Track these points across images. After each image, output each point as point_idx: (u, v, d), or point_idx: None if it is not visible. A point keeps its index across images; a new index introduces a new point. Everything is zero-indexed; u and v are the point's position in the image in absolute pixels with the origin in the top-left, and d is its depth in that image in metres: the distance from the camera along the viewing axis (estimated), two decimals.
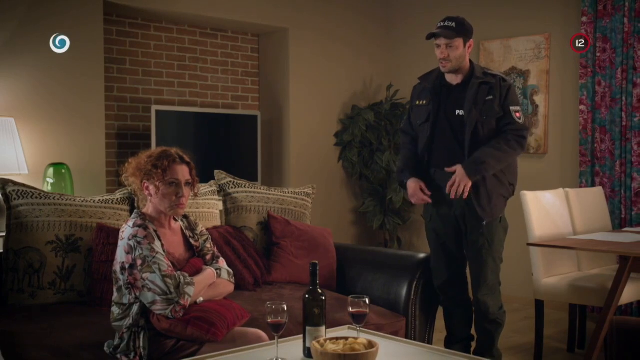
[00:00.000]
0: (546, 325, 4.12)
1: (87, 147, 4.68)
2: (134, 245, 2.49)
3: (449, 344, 3.48)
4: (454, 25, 3.29)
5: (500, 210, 3.32)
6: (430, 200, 3.35)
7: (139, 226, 2.54)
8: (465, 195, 3.19)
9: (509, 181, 3.35)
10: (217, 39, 5.80)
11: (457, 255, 3.41)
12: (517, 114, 3.29)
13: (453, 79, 3.36)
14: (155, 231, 2.57)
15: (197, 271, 2.61)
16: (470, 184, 3.18)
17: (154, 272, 2.45)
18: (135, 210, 2.68)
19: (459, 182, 3.18)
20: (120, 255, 2.53)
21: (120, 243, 2.55)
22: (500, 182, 3.30)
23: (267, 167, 5.93)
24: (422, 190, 3.34)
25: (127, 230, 2.55)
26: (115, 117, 5.25)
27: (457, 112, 3.29)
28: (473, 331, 3.51)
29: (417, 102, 3.47)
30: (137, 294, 2.48)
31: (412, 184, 3.38)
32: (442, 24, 3.33)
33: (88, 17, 4.68)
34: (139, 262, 2.47)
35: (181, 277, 2.49)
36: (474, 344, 3.51)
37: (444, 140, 3.34)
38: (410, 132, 3.55)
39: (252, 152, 5.58)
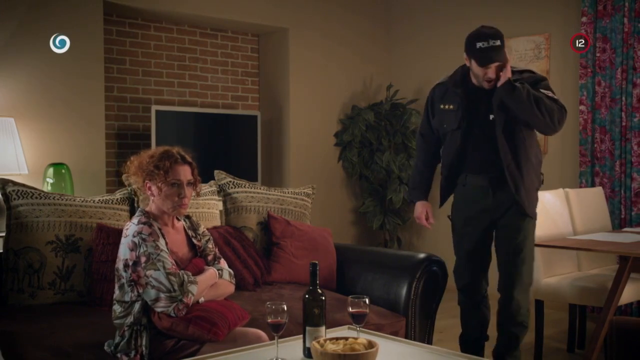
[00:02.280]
0: (546, 325, 4.12)
1: (87, 147, 4.68)
2: (139, 242, 2.49)
3: (466, 343, 3.47)
4: (500, 44, 3.09)
5: (536, 205, 3.32)
6: (430, 228, 3.53)
7: (144, 223, 2.54)
8: (494, 80, 3.11)
9: (540, 171, 3.34)
10: (217, 39, 5.81)
11: (484, 257, 3.40)
12: (551, 94, 3.19)
13: (486, 86, 3.22)
14: (160, 229, 2.58)
15: (199, 271, 2.61)
16: (504, 76, 3.06)
17: (158, 270, 2.45)
18: (140, 209, 2.68)
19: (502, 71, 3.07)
20: (124, 253, 2.53)
21: (123, 240, 2.55)
22: (536, 174, 3.29)
23: (267, 167, 5.93)
24: (427, 216, 3.48)
25: (131, 227, 2.55)
26: (115, 117, 5.25)
27: (491, 116, 3.18)
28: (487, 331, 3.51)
29: (443, 106, 3.33)
30: (141, 291, 2.48)
31: (420, 208, 3.51)
32: (486, 44, 3.09)
33: (88, 17, 4.68)
34: (143, 259, 2.47)
35: (185, 276, 2.49)
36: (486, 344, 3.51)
37: (477, 146, 3.26)
38: (429, 136, 3.46)
39: (252, 152, 5.58)
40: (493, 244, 3.43)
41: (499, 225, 3.32)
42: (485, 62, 3.09)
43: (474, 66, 3.15)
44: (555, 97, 3.21)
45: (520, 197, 3.21)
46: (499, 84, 3.09)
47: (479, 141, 3.25)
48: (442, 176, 3.45)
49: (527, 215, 3.26)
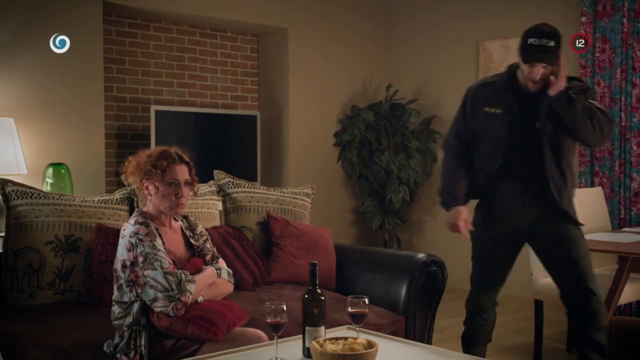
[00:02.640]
0: (545, 325, 4.12)
1: (86, 147, 4.68)
2: (136, 242, 2.49)
3: (468, 344, 3.33)
4: (553, 45, 2.86)
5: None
6: (467, 237, 3.16)
7: (141, 224, 2.54)
8: (539, 83, 2.92)
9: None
10: (216, 39, 5.80)
11: (510, 266, 3.25)
12: (598, 105, 3.02)
13: (530, 86, 3.01)
14: (157, 229, 2.58)
15: (197, 271, 2.61)
16: (558, 84, 2.86)
17: (156, 269, 2.45)
18: (137, 209, 2.68)
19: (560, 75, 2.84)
20: (122, 253, 2.53)
21: (121, 241, 2.56)
22: (574, 181, 3.16)
23: (267, 167, 5.93)
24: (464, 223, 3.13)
25: (128, 227, 2.55)
26: (115, 117, 5.25)
27: (537, 124, 3.00)
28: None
29: (488, 109, 3.10)
30: (139, 291, 2.48)
31: (458, 214, 3.13)
32: (537, 41, 2.87)
33: (88, 17, 4.68)
34: (141, 259, 2.47)
35: (182, 275, 2.49)
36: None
37: (519, 154, 3.07)
38: (465, 137, 3.22)
39: (251, 152, 5.58)
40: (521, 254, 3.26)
41: (538, 236, 3.14)
42: (530, 59, 2.89)
43: (521, 62, 2.96)
44: (602, 107, 3.05)
45: (566, 206, 3.06)
46: (552, 92, 2.90)
47: (522, 149, 3.06)
48: (474, 181, 3.21)
49: (575, 222, 3.11)
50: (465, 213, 3.15)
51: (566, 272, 3.12)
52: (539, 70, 2.89)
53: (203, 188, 3.52)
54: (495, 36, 5.66)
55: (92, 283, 3.02)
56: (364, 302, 2.29)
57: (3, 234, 3.06)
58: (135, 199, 3.23)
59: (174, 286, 2.45)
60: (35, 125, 4.46)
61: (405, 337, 3.20)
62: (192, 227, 2.79)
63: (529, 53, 2.89)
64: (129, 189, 3.25)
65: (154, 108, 5.08)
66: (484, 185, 3.17)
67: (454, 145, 3.27)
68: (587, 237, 3.96)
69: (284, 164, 5.88)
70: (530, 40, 2.88)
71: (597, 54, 5.00)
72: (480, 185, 3.19)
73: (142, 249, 2.48)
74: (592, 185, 5.02)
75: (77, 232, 3.06)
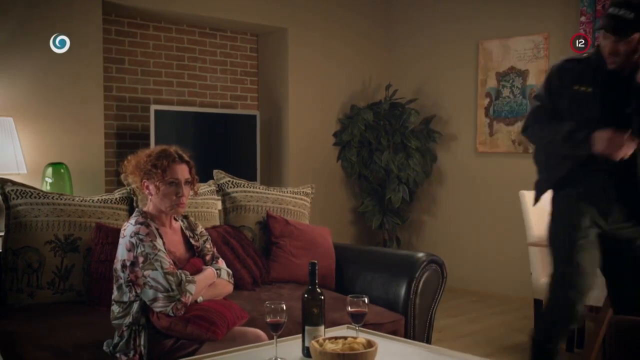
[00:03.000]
0: None
1: (86, 146, 4.68)
2: (136, 242, 2.49)
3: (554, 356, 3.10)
4: (633, 17, 2.59)
5: None
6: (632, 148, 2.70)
7: (141, 224, 2.54)
8: (617, 59, 2.67)
9: None
10: (216, 39, 5.80)
11: (594, 270, 2.91)
12: None
13: (607, 61, 2.77)
14: (157, 229, 2.58)
15: (197, 271, 2.61)
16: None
17: (156, 270, 2.45)
18: (137, 209, 2.68)
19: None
20: (122, 253, 2.53)
21: (121, 241, 2.55)
22: None
23: (266, 167, 5.93)
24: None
25: (129, 227, 2.55)
26: (114, 117, 5.25)
27: (628, 109, 2.74)
28: None
29: (577, 87, 2.80)
30: (138, 291, 2.48)
31: (604, 133, 2.68)
32: (616, 11, 2.62)
33: (87, 17, 4.68)
34: (141, 259, 2.47)
35: (182, 275, 2.49)
36: None
37: None
38: (549, 113, 2.91)
39: (251, 152, 5.58)
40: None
41: (613, 242, 2.86)
42: (603, 27, 2.66)
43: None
44: None
45: None
46: (639, 77, 2.66)
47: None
48: (552, 169, 2.94)
49: None
50: (609, 129, 2.71)
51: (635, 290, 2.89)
52: (611, 45, 2.68)
53: (202, 187, 3.52)
54: (495, 36, 5.66)
55: (91, 282, 3.02)
56: (364, 301, 2.29)
57: (2, 234, 3.06)
58: (134, 198, 3.23)
59: (174, 286, 2.45)
60: (34, 125, 4.46)
61: (405, 337, 3.20)
62: (192, 227, 2.79)
63: (603, 22, 2.68)
64: (128, 188, 3.25)
65: (153, 108, 5.08)
66: (565, 175, 2.85)
67: (541, 116, 2.94)
68: None
69: (284, 163, 5.88)
70: (610, 10, 2.68)
71: None
72: (560, 173, 2.86)
73: (142, 249, 2.48)
74: None
75: (77, 231, 3.06)
